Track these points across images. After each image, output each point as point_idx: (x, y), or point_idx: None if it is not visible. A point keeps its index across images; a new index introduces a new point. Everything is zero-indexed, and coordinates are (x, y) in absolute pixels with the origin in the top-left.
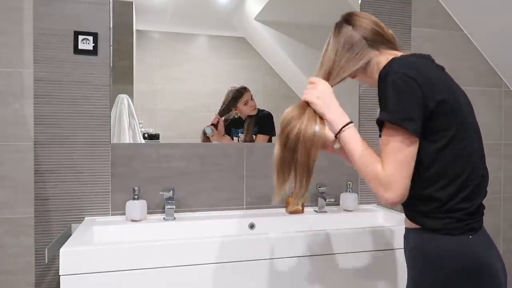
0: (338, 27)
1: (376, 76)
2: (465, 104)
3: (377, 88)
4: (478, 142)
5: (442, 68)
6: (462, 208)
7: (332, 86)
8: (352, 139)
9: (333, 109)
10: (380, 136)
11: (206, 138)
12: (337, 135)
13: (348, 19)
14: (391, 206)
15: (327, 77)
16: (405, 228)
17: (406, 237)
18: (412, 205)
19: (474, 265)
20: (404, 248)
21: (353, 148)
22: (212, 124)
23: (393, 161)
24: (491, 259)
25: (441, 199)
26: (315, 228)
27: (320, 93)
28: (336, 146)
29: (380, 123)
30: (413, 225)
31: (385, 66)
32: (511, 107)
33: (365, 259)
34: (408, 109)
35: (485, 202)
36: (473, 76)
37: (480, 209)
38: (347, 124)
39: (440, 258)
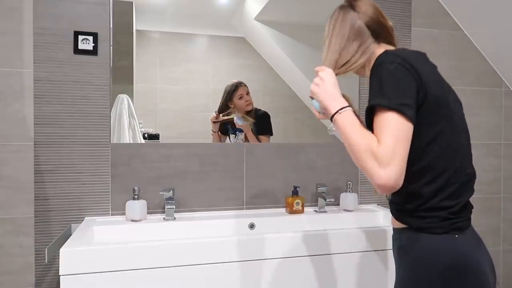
0: (343, 11)
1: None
2: (454, 102)
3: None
4: (466, 141)
5: (434, 66)
6: (445, 207)
7: (336, 75)
8: (347, 120)
9: (329, 94)
10: (367, 126)
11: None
12: (331, 119)
13: (352, 4)
14: (383, 191)
15: (334, 66)
16: (392, 228)
17: (393, 237)
18: (397, 203)
19: (460, 265)
20: (392, 248)
21: (347, 131)
22: (214, 122)
23: (391, 136)
24: (478, 259)
25: (425, 196)
26: (315, 228)
27: (319, 80)
28: (330, 132)
29: (372, 109)
30: (400, 225)
31: (379, 56)
32: (511, 107)
33: (365, 259)
34: (405, 95)
35: (485, 202)
36: (473, 76)
37: (467, 208)
38: (341, 109)
39: (426, 258)
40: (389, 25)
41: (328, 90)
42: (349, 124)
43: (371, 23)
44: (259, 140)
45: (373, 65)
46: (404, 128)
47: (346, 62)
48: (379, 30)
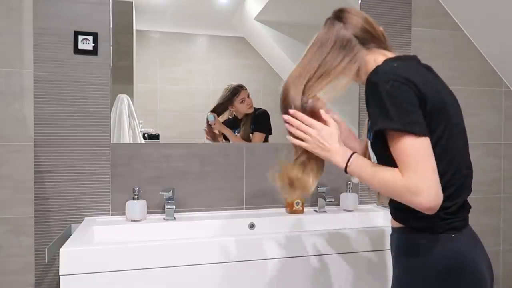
0: (329, 22)
1: (363, 75)
2: (451, 104)
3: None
4: (464, 142)
5: (428, 68)
6: (443, 207)
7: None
8: (360, 168)
9: (335, 152)
10: (371, 143)
11: (208, 125)
12: (346, 172)
13: (339, 15)
14: (430, 212)
15: (317, 78)
16: (391, 227)
17: (392, 236)
18: (396, 204)
19: (457, 264)
20: (391, 247)
21: (365, 176)
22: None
23: (412, 163)
24: (475, 258)
25: None
26: (315, 228)
27: (324, 141)
28: (355, 181)
29: (379, 133)
30: (398, 225)
31: (370, 75)
32: (511, 107)
33: (365, 259)
34: (409, 112)
35: (485, 202)
36: (473, 76)
37: (465, 207)
38: (349, 159)
39: (423, 257)
40: (379, 30)
41: (329, 148)
42: (363, 173)
43: (359, 33)
44: (248, 140)
45: (367, 85)
46: (421, 146)
47: (331, 70)
48: (368, 38)
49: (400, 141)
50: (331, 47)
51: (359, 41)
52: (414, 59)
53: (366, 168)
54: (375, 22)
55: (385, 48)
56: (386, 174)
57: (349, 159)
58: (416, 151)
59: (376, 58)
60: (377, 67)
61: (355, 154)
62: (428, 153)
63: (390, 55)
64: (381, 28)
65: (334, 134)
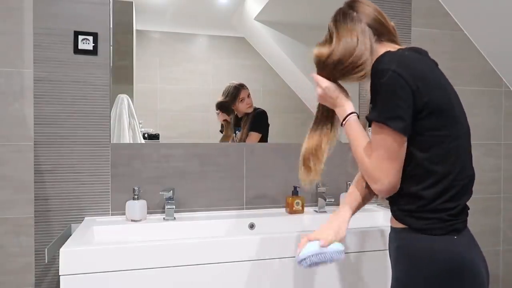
0: (343, 13)
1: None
2: (457, 104)
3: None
4: (468, 142)
5: (435, 64)
6: (446, 208)
7: (343, 78)
8: (350, 131)
9: (338, 102)
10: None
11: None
12: (342, 125)
13: (351, 5)
14: (382, 196)
15: (340, 66)
16: (391, 227)
17: (391, 236)
18: (398, 204)
19: (458, 266)
20: (389, 247)
21: (351, 139)
22: (224, 120)
23: (377, 157)
24: (474, 259)
25: (428, 198)
26: (315, 228)
27: (322, 91)
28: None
29: (370, 120)
30: (399, 225)
31: (376, 61)
32: (511, 107)
33: (365, 259)
34: (396, 107)
35: (485, 202)
36: (473, 76)
37: (465, 210)
38: (347, 116)
39: (424, 259)
40: (391, 25)
41: (332, 99)
42: (351, 136)
43: (372, 23)
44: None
45: (372, 70)
46: (392, 143)
47: (353, 57)
48: (380, 29)
49: (377, 130)
50: (357, 39)
51: (373, 32)
52: (425, 53)
53: (355, 133)
54: (387, 16)
55: (396, 42)
56: (361, 152)
57: (346, 117)
58: (386, 146)
59: (387, 50)
60: (384, 53)
61: (353, 115)
62: (396, 151)
63: None
64: (392, 23)
65: (331, 85)
